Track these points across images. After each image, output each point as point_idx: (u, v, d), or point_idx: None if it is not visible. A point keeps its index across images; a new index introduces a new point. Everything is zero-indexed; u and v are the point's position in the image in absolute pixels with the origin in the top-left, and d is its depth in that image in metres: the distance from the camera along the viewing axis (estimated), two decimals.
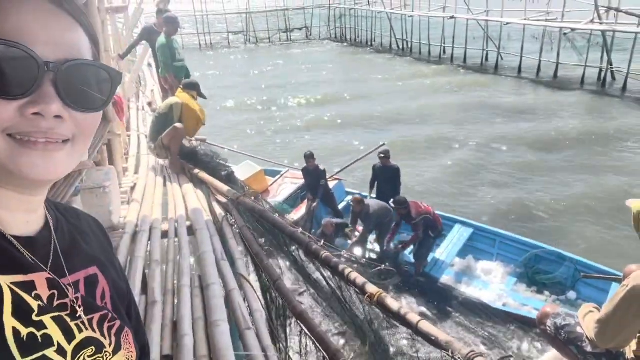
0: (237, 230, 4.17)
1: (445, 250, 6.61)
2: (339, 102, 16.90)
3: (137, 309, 0.83)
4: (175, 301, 3.19)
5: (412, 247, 6.42)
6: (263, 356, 2.64)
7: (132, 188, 5.07)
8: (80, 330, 0.62)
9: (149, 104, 8.51)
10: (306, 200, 7.46)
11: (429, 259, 6.45)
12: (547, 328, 2.16)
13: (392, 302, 2.85)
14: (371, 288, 2.97)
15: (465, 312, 5.73)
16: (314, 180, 7.23)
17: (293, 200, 7.94)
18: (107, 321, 0.67)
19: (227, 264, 3.68)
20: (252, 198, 5.23)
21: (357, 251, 6.38)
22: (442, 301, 5.88)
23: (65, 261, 0.64)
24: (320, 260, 3.37)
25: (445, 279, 6.26)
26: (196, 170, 5.36)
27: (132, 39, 8.09)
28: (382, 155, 7.00)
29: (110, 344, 0.65)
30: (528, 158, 11.05)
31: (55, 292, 0.61)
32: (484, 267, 6.36)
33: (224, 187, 4.82)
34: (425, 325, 2.63)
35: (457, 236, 6.82)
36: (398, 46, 27.50)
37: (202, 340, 2.75)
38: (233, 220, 4.34)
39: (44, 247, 0.63)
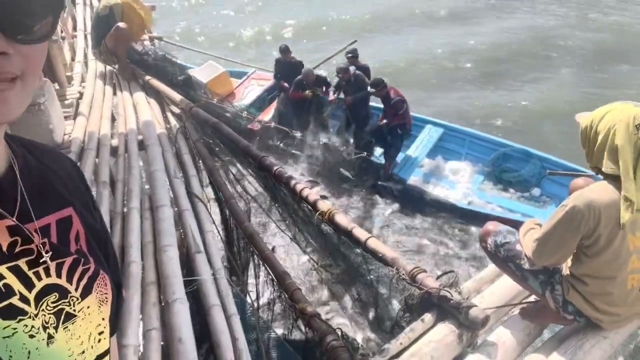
0: (192, 144, 3.98)
1: (415, 151, 6.54)
2: None
3: (114, 249, 0.81)
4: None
5: (380, 149, 6.34)
6: (212, 280, 2.63)
7: (79, 100, 4.71)
8: (40, 278, 0.61)
9: None
10: (275, 102, 7.16)
11: (398, 159, 6.41)
12: (488, 245, 2.14)
13: (342, 218, 2.80)
14: (323, 205, 2.90)
15: (433, 212, 5.86)
16: (290, 75, 6.84)
17: (260, 103, 7.61)
18: (80, 265, 0.66)
19: (181, 182, 3.55)
20: (214, 101, 4.96)
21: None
22: (411, 202, 5.97)
23: (34, 204, 0.62)
24: (274, 177, 3.25)
25: (414, 179, 6.28)
26: (148, 77, 4.98)
27: None
28: (350, 55, 6.53)
29: (76, 289, 0.64)
30: (503, 56, 10.53)
31: (19, 238, 0.60)
32: (452, 166, 6.36)
33: (177, 96, 4.51)
34: (374, 242, 2.61)
35: (427, 137, 6.71)
36: None
37: (150, 267, 2.71)
38: (188, 133, 4.13)
39: (7, 191, 0.61)
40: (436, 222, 5.71)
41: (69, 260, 0.64)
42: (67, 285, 0.64)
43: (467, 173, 6.25)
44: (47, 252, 0.62)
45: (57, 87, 4.91)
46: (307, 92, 6.46)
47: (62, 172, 0.72)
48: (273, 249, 3.38)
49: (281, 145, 6.08)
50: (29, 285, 0.59)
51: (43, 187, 0.66)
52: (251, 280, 2.98)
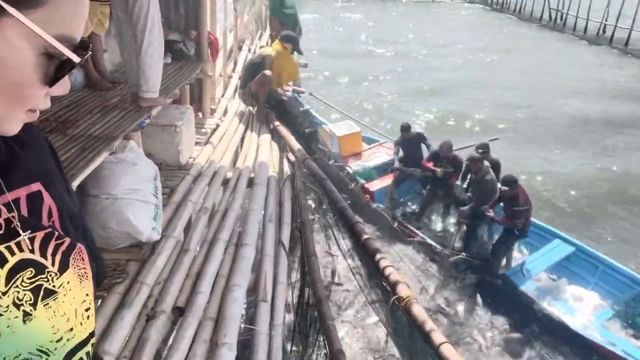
0: (296, 193, 4.03)
1: (534, 262, 5.84)
2: (464, 79, 15.08)
3: (93, 239, 0.80)
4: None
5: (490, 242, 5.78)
6: (267, 335, 2.52)
7: (214, 130, 5.15)
8: (13, 253, 0.58)
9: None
10: (394, 172, 7.07)
11: (513, 263, 5.78)
12: None
13: (419, 311, 2.51)
14: (403, 290, 2.65)
15: (543, 330, 5.09)
16: (412, 149, 6.75)
17: (382, 170, 7.61)
18: (53, 239, 0.63)
19: (273, 227, 3.58)
20: (332, 160, 5.04)
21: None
22: (517, 311, 5.27)
23: (3, 176, 0.60)
24: (360, 244, 3.10)
25: (524, 289, 5.58)
26: (277, 123, 5.28)
27: None
28: (481, 151, 5.81)
29: (53, 264, 0.62)
30: None
31: None
32: (576, 292, 5.50)
33: (297, 145, 4.67)
34: (448, 350, 2.27)
35: (553, 251, 5.98)
36: (550, 17, 24.40)
37: (215, 302, 2.70)
38: (295, 182, 4.20)
39: None
40: (543, 341, 4.92)
41: (40, 235, 0.61)
42: (42, 260, 0.61)
43: (592, 304, 5.35)
44: (17, 225, 0.59)
45: (201, 116, 5.46)
46: (438, 170, 6.18)
47: (35, 145, 0.70)
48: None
49: (397, 219, 5.82)
50: (2, 261, 0.56)
51: (11, 158, 0.64)
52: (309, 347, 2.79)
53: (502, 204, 5.58)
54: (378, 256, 2.91)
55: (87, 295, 0.65)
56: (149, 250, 2.95)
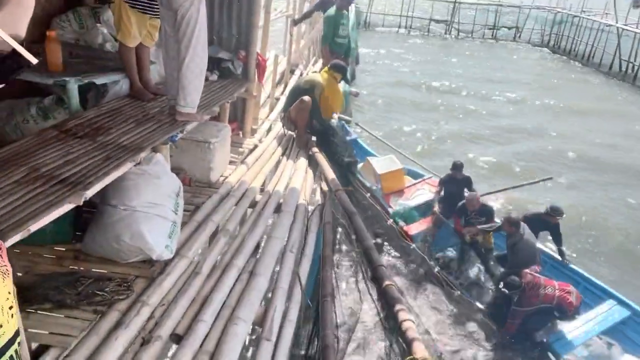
0: (322, 225, 3.85)
1: (585, 325, 5.29)
2: (527, 126, 14.33)
3: None
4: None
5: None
6: None
7: (251, 150, 5.09)
8: None
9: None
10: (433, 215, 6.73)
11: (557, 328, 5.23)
12: None
13: None
14: (419, 349, 2.38)
15: None
16: (455, 192, 6.45)
17: (425, 209, 7.27)
18: None
19: (293, 257, 3.40)
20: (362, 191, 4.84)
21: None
22: None
23: None
24: (382, 290, 2.86)
25: (571, 358, 5.03)
26: (316, 150, 5.15)
27: (307, 5, 8.16)
28: (552, 213, 5.40)
29: None
30: None
31: None
32: None
33: (332, 175, 4.51)
34: None
35: (605, 313, 5.41)
36: (620, 68, 23.26)
37: (216, 332, 2.54)
38: (324, 213, 4.03)
39: None
40: None
41: None
42: None
43: None
44: None
45: (241, 135, 5.44)
46: (467, 236, 5.75)
47: None
48: None
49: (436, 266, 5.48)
50: None
51: None
52: None
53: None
54: (397, 307, 2.66)
55: (9, 293, 0.66)
56: (159, 268, 2.85)
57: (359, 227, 3.58)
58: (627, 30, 23.49)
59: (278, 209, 4.03)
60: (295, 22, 7.65)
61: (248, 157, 4.83)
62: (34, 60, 0.52)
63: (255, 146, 5.20)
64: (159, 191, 2.93)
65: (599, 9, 28.98)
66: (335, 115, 6.43)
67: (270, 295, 3.00)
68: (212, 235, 3.47)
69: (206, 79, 3.67)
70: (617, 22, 24.23)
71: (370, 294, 3.11)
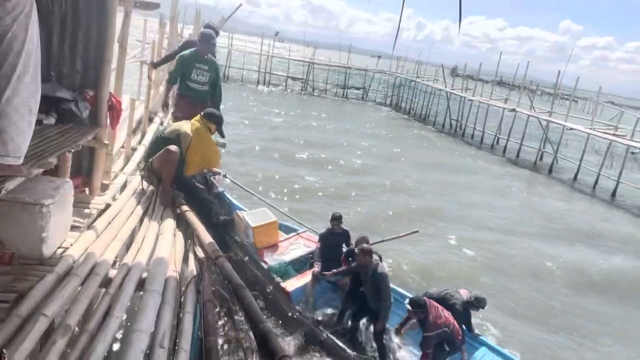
0: (201, 303, 3.07)
1: None
2: (377, 174, 15.44)
3: None
4: None
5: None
6: None
7: (102, 211, 4.09)
8: None
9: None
10: (314, 268, 6.34)
11: None
12: None
13: None
14: None
15: None
16: (334, 246, 6.20)
17: (300, 265, 6.83)
18: None
19: (165, 353, 2.56)
20: (241, 256, 4.18)
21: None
22: None
23: None
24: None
25: None
26: (185, 208, 4.36)
27: (170, 48, 7.46)
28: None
29: None
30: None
31: None
32: None
33: (208, 239, 3.76)
34: None
35: None
36: (451, 126, 26.77)
37: None
38: (202, 287, 3.25)
39: None
40: None
41: None
42: None
43: None
44: None
45: (88, 192, 4.39)
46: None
47: None
48: None
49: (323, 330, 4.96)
50: None
51: None
52: None
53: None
54: None
55: None
56: None
57: (250, 305, 2.89)
58: (454, 94, 27.37)
59: (141, 287, 3.14)
60: (155, 65, 6.85)
61: (97, 221, 3.83)
62: None
63: (108, 206, 4.21)
64: None
65: (430, 75, 33.57)
66: (205, 170, 5.71)
67: None
68: (43, 337, 2.45)
69: (39, 122, 2.77)
70: (445, 87, 28.12)
71: None
